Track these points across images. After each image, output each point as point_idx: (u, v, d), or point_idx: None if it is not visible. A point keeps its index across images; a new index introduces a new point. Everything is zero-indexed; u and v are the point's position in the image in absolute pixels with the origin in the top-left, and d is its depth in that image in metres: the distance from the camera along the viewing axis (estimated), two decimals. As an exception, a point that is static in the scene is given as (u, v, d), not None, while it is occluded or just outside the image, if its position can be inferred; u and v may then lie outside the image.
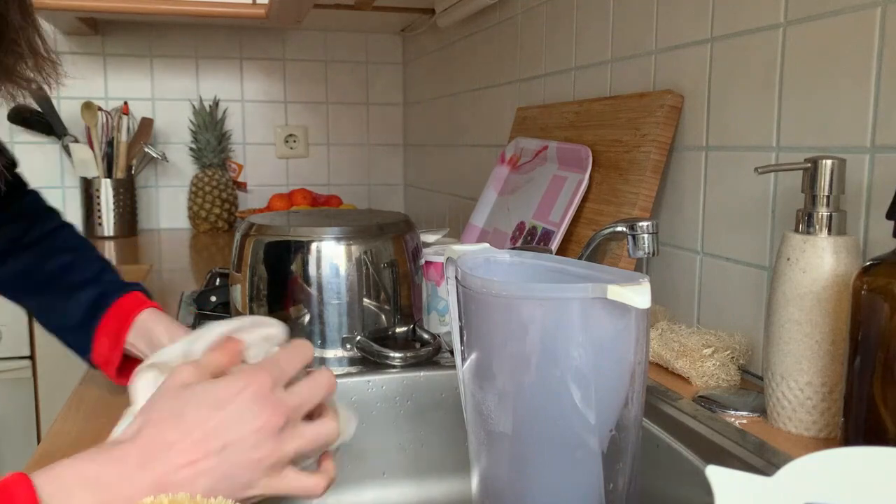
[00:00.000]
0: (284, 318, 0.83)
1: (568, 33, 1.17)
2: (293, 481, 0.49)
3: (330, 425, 0.52)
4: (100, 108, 1.94)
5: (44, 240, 0.81)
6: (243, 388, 0.48)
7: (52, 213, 0.85)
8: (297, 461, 0.50)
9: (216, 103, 2.10)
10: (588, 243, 0.83)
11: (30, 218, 0.82)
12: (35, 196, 0.86)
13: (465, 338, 0.53)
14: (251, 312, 0.86)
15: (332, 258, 0.83)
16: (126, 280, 0.78)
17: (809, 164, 0.61)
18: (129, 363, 0.72)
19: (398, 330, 0.86)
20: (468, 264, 0.53)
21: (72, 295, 0.76)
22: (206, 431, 0.46)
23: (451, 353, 0.79)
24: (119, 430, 0.50)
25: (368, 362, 0.83)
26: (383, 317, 0.85)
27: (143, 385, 0.53)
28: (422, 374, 0.82)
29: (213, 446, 0.46)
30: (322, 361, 0.83)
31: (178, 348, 0.56)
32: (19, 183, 0.85)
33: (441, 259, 0.95)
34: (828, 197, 0.60)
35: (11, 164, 0.83)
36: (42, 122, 1.95)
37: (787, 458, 0.55)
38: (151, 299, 0.76)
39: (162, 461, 0.45)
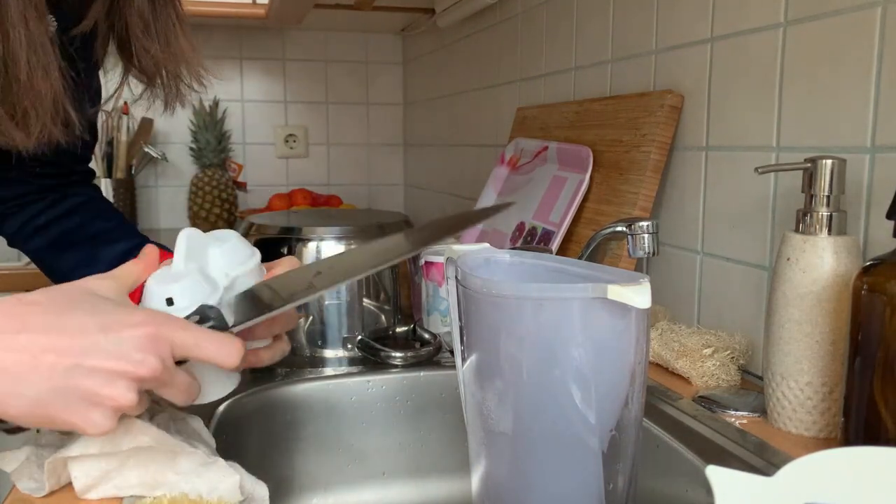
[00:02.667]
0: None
1: (568, 33, 1.17)
2: (94, 426, 0.46)
3: (147, 404, 0.50)
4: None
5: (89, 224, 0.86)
6: (138, 325, 0.46)
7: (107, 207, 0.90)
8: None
9: (216, 103, 2.10)
10: (588, 243, 0.83)
11: (87, 215, 0.87)
12: (97, 194, 0.91)
13: (465, 338, 0.53)
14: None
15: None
16: None
17: (809, 164, 0.61)
18: None
19: (398, 330, 0.87)
20: (468, 264, 0.53)
21: (109, 246, 0.79)
22: (73, 342, 0.45)
23: (452, 352, 0.79)
24: None
25: (368, 362, 0.83)
26: (383, 317, 0.85)
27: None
28: (422, 374, 0.82)
29: (66, 359, 0.44)
30: (322, 361, 0.84)
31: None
32: (89, 170, 0.91)
33: (441, 259, 0.95)
34: (828, 197, 0.60)
35: (92, 140, 0.88)
36: (42, 122, 1.94)
37: (787, 458, 0.55)
38: None
39: (8, 336, 0.44)
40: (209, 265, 0.55)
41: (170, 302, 0.52)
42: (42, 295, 0.47)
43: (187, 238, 0.55)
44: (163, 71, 0.75)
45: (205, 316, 0.51)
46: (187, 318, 0.50)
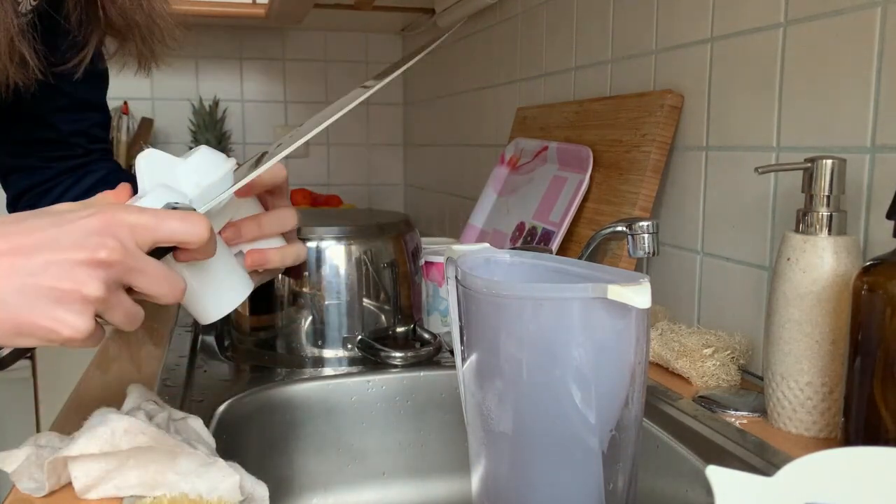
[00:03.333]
0: (285, 318, 0.84)
1: (568, 33, 1.17)
2: (66, 326, 0.44)
3: (139, 314, 0.47)
4: (100, 108, 1.94)
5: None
6: (90, 215, 0.45)
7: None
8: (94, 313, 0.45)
9: (216, 103, 2.10)
10: (588, 243, 0.83)
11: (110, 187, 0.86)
12: (116, 166, 0.91)
13: (465, 338, 0.53)
14: (251, 313, 0.86)
15: (331, 258, 0.83)
16: None
17: (809, 164, 0.61)
18: None
19: (398, 330, 0.86)
20: (468, 264, 0.53)
21: None
22: (28, 240, 0.44)
23: (452, 352, 0.79)
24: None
25: (368, 362, 0.83)
26: (383, 317, 0.85)
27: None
28: (422, 374, 0.82)
29: (23, 258, 0.43)
30: (322, 361, 0.84)
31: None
32: (108, 149, 0.92)
33: (441, 259, 0.95)
34: (828, 197, 0.60)
35: (107, 121, 0.90)
36: (42, 122, 1.94)
37: (787, 458, 0.55)
38: None
39: None
40: (178, 180, 0.53)
41: None
42: (7, 216, 0.47)
43: (146, 159, 0.52)
44: (133, 26, 0.74)
45: (171, 208, 0.49)
46: None
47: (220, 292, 0.54)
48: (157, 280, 0.46)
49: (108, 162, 0.91)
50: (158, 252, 0.48)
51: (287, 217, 0.59)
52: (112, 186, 0.86)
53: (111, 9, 0.72)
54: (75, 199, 0.85)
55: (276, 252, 0.57)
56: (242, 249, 0.56)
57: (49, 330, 0.44)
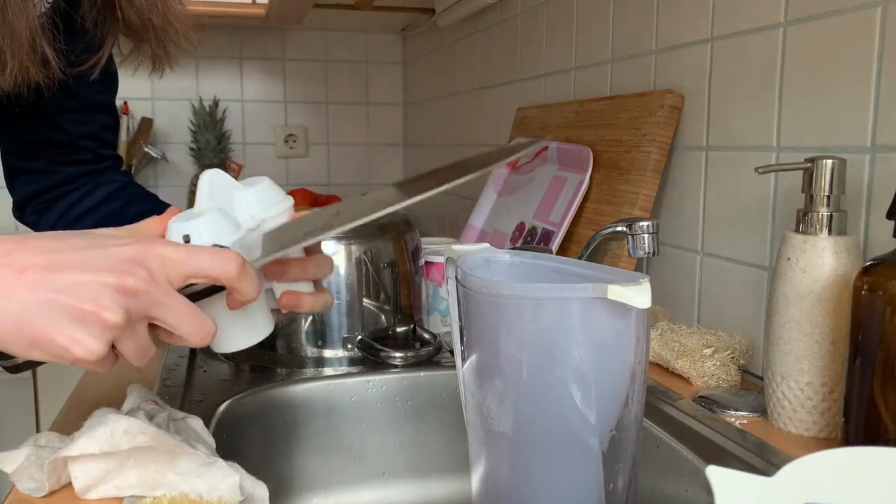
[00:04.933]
0: (285, 318, 0.84)
1: (568, 33, 1.17)
2: (80, 347, 0.44)
3: (150, 350, 0.48)
4: (100, 108, 1.94)
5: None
6: (128, 243, 0.45)
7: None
8: (108, 341, 0.45)
9: (216, 103, 2.10)
10: (588, 243, 0.83)
11: (122, 200, 0.86)
12: (129, 179, 0.91)
13: (465, 338, 0.53)
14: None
15: (332, 258, 0.83)
16: None
17: (809, 164, 0.61)
18: None
19: (398, 330, 0.87)
20: (468, 264, 0.53)
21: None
22: (59, 257, 0.44)
23: (452, 352, 0.79)
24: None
25: (368, 362, 0.83)
26: (383, 317, 0.85)
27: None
28: (422, 374, 0.82)
29: (50, 273, 0.43)
30: (322, 361, 0.84)
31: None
32: (117, 156, 0.91)
33: (441, 259, 0.95)
34: (828, 197, 0.60)
35: (115, 124, 0.89)
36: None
37: (787, 458, 0.55)
38: None
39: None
40: (235, 207, 0.53)
41: (186, 240, 0.50)
42: (50, 232, 0.47)
43: (209, 179, 0.53)
44: (149, 27, 0.73)
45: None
46: None
47: (245, 328, 0.54)
48: (181, 317, 0.46)
49: (120, 174, 0.90)
50: (204, 293, 0.48)
51: (327, 265, 0.59)
52: (125, 200, 0.86)
53: (129, 9, 0.72)
54: (89, 209, 0.85)
55: (310, 297, 0.57)
56: (273, 288, 0.56)
57: (62, 347, 0.44)
